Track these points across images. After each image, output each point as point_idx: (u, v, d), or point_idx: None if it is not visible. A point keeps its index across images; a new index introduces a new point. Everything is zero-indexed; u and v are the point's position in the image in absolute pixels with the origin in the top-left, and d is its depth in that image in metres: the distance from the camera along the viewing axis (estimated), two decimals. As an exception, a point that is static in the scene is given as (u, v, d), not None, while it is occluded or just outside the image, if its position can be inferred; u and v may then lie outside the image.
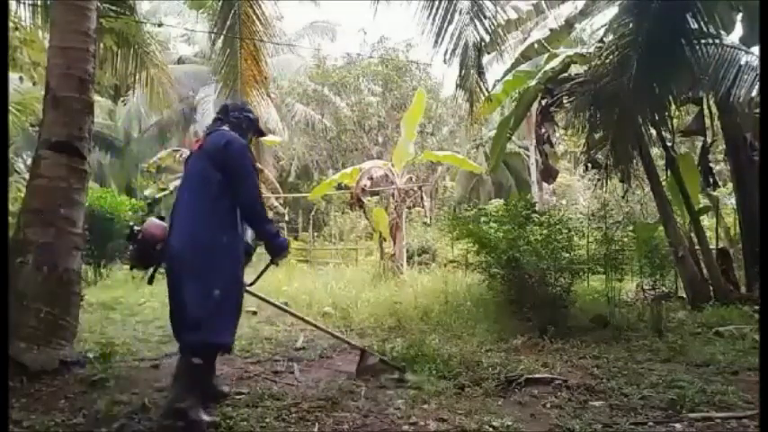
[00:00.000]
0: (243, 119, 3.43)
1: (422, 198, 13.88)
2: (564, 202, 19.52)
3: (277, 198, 18.88)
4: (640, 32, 5.72)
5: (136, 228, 3.30)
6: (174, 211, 3.21)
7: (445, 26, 6.07)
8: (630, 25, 5.94)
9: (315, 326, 4.52)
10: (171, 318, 3.17)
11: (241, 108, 3.53)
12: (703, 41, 5.91)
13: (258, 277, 3.59)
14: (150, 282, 3.32)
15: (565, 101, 8.00)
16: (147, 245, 3.22)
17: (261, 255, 3.56)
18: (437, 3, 6.05)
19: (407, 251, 12.72)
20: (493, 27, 6.20)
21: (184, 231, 3.08)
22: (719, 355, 4.60)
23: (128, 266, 9.72)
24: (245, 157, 3.17)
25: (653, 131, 7.13)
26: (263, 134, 3.80)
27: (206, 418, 2.96)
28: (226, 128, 3.32)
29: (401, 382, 3.83)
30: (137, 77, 7.72)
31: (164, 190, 13.80)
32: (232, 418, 3.05)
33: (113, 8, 6.61)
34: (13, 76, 7.31)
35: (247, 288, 3.43)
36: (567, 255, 5.94)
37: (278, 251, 3.32)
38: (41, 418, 3.01)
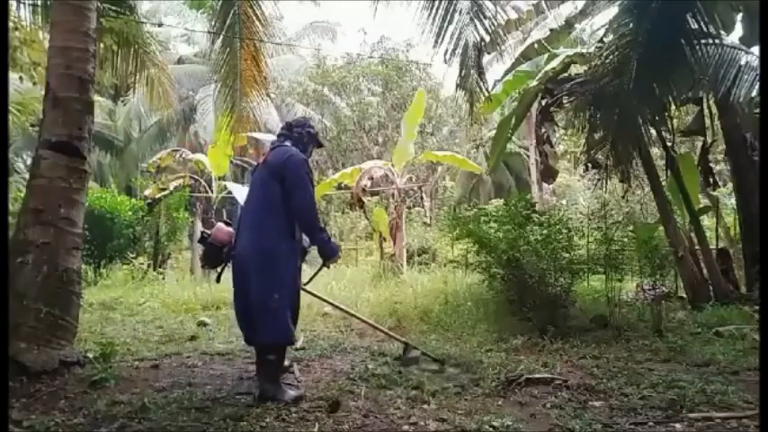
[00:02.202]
0: (304, 134, 3.79)
1: (422, 198, 13.88)
2: (564, 202, 19.50)
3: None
4: (640, 32, 5.72)
5: (206, 232, 3.75)
6: (241, 218, 3.64)
7: (445, 26, 6.05)
8: (630, 25, 5.93)
9: (366, 322, 4.77)
10: (236, 315, 3.61)
11: (302, 124, 3.86)
12: (703, 41, 5.90)
13: (312, 278, 4.04)
14: (218, 280, 3.80)
15: (565, 101, 8.00)
16: (215, 247, 3.67)
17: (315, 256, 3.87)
18: (437, 3, 6.03)
19: (407, 251, 12.72)
20: (493, 27, 6.19)
21: (248, 237, 3.47)
22: (719, 355, 4.60)
23: (126, 265, 9.77)
24: (302, 170, 3.52)
25: (653, 131, 7.12)
26: (321, 145, 4.16)
27: (293, 393, 3.46)
28: (288, 143, 3.69)
29: (440, 373, 4.12)
30: (137, 77, 7.71)
31: (164, 190, 13.78)
32: (232, 418, 3.05)
33: (113, 8, 6.60)
34: (13, 76, 7.30)
35: (303, 287, 3.80)
36: (567, 255, 5.94)
37: (329, 255, 3.67)
38: (41, 418, 3.01)
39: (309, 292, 3.99)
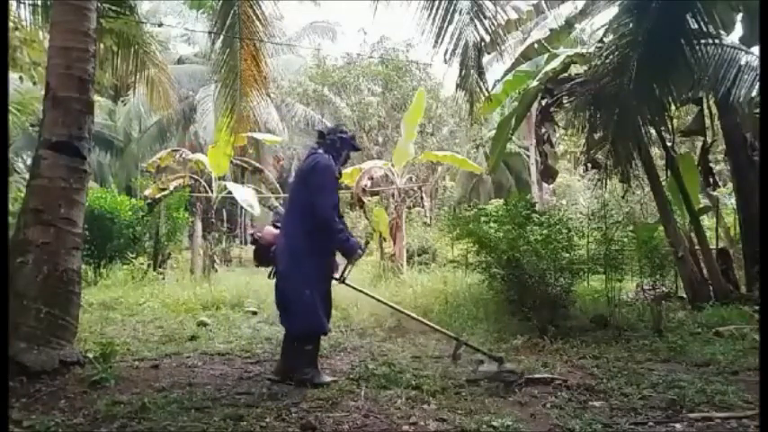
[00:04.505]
0: (336, 139, 4.00)
1: (422, 198, 13.88)
2: (564, 202, 19.50)
3: (277, 198, 18.87)
4: (640, 32, 5.72)
5: (257, 234, 4.09)
6: (281, 221, 4.00)
7: (445, 26, 6.05)
8: (630, 25, 5.93)
9: (411, 316, 4.80)
10: (277, 308, 3.93)
11: (335, 130, 4.11)
12: (703, 41, 5.90)
13: (342, 273, 4.13)
14: (270, 276, 4.02)
15: (565, 101, 8.00)
16: (263, 248, 4.00)
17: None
18: (437, 3, 6.03)
19: (407, 251, 12.72)
20: (493, 27, 6.18)
21: (283, 238, 3.84)
22: (719, 355, 4.61)
23: (126, 265, 9.78)
24: (324, 177, 3.80)
25: (653, 131, 7.12)
26: (358, 149, 4.47)
27: (327, 379, 3.80)
28: (321, 150, 3.93)
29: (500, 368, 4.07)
30: (137, 77, 7.70)
31: (163, 190, 13.78)
32: (232, 418, 3.05)
33: (113, 8, 6.60)
34: (13, 76, 7.31)
35: (346, 283, 4.04)
36: (567, 255, 5.94)
37: (350, 253, 3.93)
38: (41, 418, 3.01)
39: (350, 285, 4.17)
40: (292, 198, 3.98)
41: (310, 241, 3.75)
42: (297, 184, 3.96)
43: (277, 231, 4.02)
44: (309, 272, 3.74)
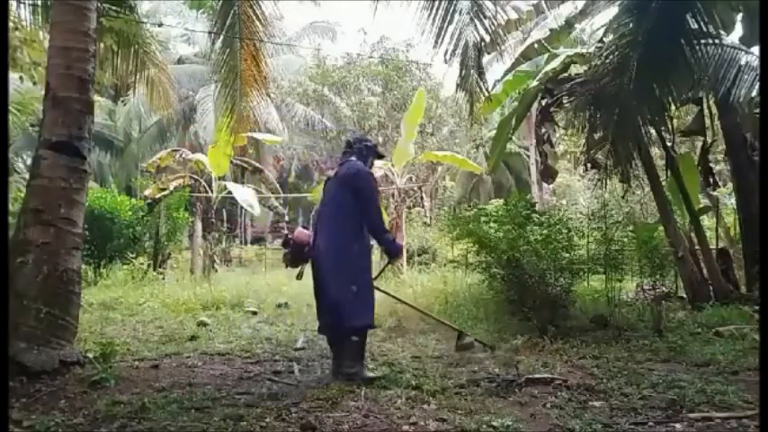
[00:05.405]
0: (363, 147, 4.29)
1: (422, 198, 13.87)
2: (564, 202, 19.49)
3: (277, 198, 18.87)
4: (640, 32, 5.72)
5: (289, 235, 4.25)
6: (318, 223, 4.17)
7: (445, 26, 6.04)
8: (630, 25, 5.93)
9: (430, 316, 5.16)
10: (316, 307, 4.13)
11: (361, 139, 4.41)
12: (703, 41, 5.90)
13: (379, 274, 4.46)
14: (299, 277, 4.30)
15: (565, 101, 7.99)
16: (296, 248, 4.16)
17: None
18: (437, 3, 6.02)
19: (407, 251, 12.71)
20: (493, 27, 6.17)
21: (326, 240, 4.02)
22: (719, 355, 4.60)
23: (126, 265, 9.80)
24: (368, 182, 4.12)
25: (653, 131, 7.12)
26: (381, 156, 4.75)
27: (371, 374, 3.94)
28: (353, 158, 4.21)
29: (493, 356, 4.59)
30: (137, 77, 7.70)
31: (163, 190, 13.78)
32: (232, 418, 3.05)
33: (113, 8, 6.59)
34: (13, 76, 7.30)
35: (375, 286, 4.21)
36: (567, 255, 5.94)
37: (394, 254, 4.28)
38: (41, 418, 3.01)
39: (379, 289, 4.35)
40: (334, 202, 4.13)
41: (354, 241, 3.98)
42: (338, 189, 4.12)
43: (308, 232, 4.22)
44: (355, 269, 3.96)
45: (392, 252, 4.21)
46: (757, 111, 6.59)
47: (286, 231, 4.53)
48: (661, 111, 6.46)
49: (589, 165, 7.91)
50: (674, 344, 4.94)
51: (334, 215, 4.09)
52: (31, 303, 3.85)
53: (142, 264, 10.72)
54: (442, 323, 5.26)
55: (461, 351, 4.72)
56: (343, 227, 4.00)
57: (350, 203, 4.01)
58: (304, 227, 4.34)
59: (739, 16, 7.08)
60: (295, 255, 4.20)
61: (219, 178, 14.47)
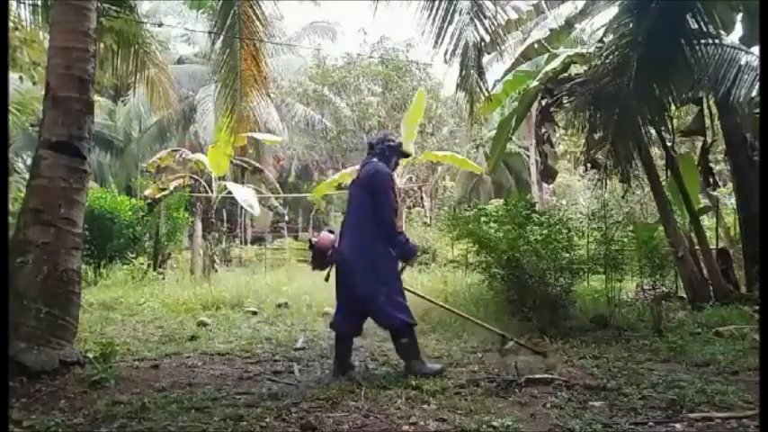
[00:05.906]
0: (386, 147, 4.28)
1: (422, 198, 13.88)
2: (564, 202, 19.51)
3: (277, 198, 18.87)
4: (640, 32, 5.71)
5: (313, 239, 4.30)
6: (343, 226, 4.21)
7: (445, 26, 6.04)
8: (630, 25, 5.93)
9: (465, 317, 5.04)
10: (342, 308, 4.12)
11: (383, 139, 4.37)
12: (703, 41, 5.90)
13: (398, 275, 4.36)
14: (326, 279, 4.22)
15: (565, 101, 7.99)
16: (321, 251, 4.17)
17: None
18: (437, 3, 6.02)
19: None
20: (493, 27, 6.17)
21: (352, 243, 4.05)
22: (719, 355, 4.60)
23: (126, 265, 9.82)
24: (385, 184, 4.10)
25: (653, 131, 7.12)
26: (407, 155, 4.75)
27: (436, 366, 4.04)
28: (375, 159, 4.21)
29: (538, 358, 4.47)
30: (137, 77, 7.70)
31: (163, 190, 13.78)
32: (232, 418, 3.05)
33: (113, 8, 6.60)
34: (13, 76, 7.31)
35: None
36: (567, 255, 5.94)
37: (408, 256, 4.25)
38: (41, 418, 3.00)
39: (409, 290, 4.36)
40: (356, 205, 4.19)
41: (380, 243, 4.01)
42: (360, 191, 4.15)
43: (332, 236, 4.22)
44: (383, 270, 4.01)
45: (406, 254, 4.20)
46: (757, 111, 6.59)
47: (310, 236, 4.66)
48: (661, 111, 6.46)
49: (589, 165, 7.91)
50: (674, 344, 4.93)
51: (357, 218, 4.13)
52: (31, 303, 3.85)
53: (142, 264, 10.73)
54: (484, 327, 5.00)
55: (505, 355, 4.53)
56: (366, 229, 4.03)
57: (369, 205, 4.05)
58: (330, 230, 4.36)
59: (739, 16, 7.08)
60: (318, 258, 4.22)
61: (219, 178, 14.47)
